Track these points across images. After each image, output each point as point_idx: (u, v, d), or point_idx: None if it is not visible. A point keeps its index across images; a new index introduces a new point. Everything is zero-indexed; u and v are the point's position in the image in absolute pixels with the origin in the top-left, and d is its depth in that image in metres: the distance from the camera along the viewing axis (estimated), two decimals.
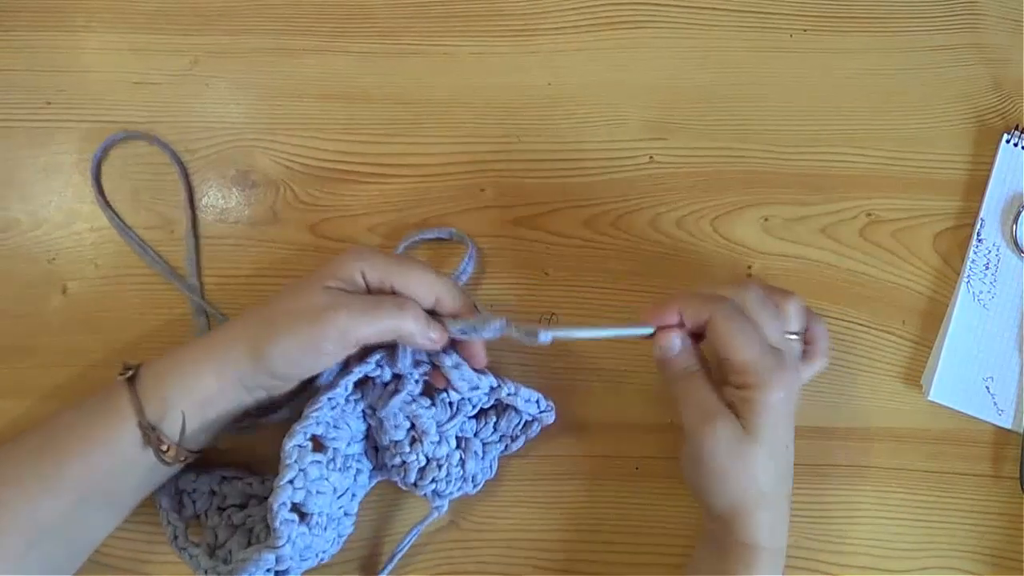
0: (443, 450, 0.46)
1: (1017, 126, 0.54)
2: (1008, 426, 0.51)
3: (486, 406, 0.48)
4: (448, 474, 0.46)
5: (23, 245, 0.52)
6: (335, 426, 0.44)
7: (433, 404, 0.46)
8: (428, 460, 0.46)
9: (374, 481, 0.48)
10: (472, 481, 0.47)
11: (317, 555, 0.44)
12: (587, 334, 0.43)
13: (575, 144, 0.54)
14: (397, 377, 0.45)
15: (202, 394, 0.41)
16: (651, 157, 0.54)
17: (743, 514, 0.41)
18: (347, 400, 0.45)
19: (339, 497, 0.45)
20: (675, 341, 0.42)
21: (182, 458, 0.42)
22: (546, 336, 0.40)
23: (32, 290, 0.51)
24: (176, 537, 0.46)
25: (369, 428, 0.47)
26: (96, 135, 0.53)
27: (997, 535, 0.51)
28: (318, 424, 0.43)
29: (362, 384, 0.45)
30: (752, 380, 0.40)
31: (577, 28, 0.55)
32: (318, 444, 0.44)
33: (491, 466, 0.48)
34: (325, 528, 0.43)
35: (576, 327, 0.43)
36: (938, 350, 0.52)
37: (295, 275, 0.52)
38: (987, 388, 0.52)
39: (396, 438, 0.45)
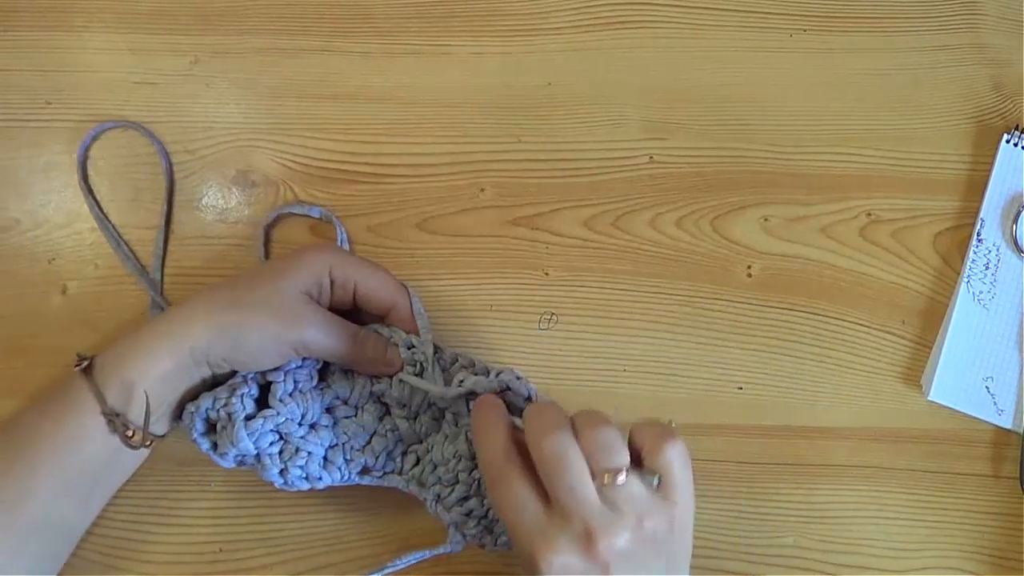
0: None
1: (1017, 126, 0.54)
2: (1008, 426, 0.51)
3: None
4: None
5: (23, 245, 0.52)
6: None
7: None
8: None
9: (361, 474, 0.46)
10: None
11: (304, 434, 0.44)
12: (437, 389, 0.44)
13: (575, 144, 0.54)
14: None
15: (158, 371, 0.41)
16: (651, 157, 0.54)
17: None
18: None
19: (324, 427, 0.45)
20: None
21: (148, 442, 0.42)
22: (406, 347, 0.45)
23: (32, 290, 0.51)
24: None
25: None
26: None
27: (997, 535, 0.51)
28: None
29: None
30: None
31: (577, 28, 0.55)
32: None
33: None
34: (313, 423, 0.44)
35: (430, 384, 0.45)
36: (938, 350, 0.52)
37: None
38: (987, 388, 0.52)
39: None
